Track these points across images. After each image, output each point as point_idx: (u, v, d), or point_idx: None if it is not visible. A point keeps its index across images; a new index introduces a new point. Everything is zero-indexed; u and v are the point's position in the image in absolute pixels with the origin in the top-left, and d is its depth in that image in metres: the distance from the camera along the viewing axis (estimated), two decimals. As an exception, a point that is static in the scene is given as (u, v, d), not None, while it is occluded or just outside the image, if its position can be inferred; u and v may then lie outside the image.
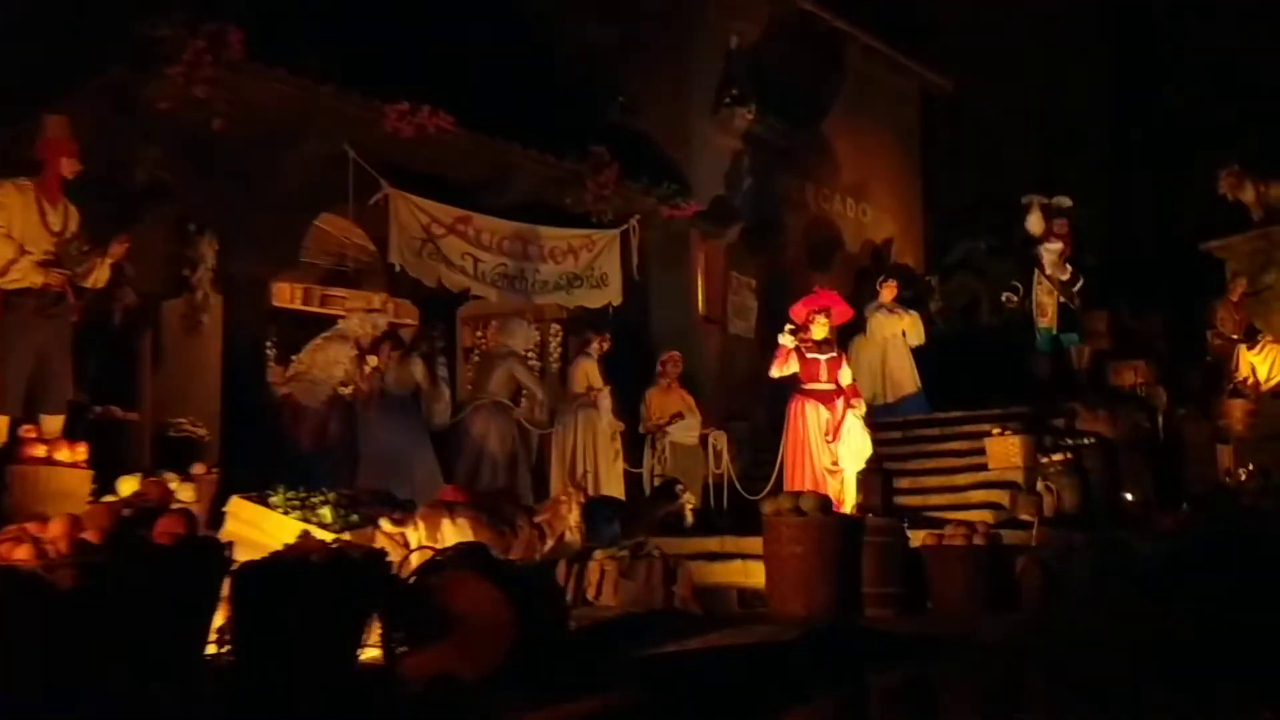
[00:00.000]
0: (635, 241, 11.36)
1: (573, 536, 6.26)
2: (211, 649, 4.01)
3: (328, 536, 5.62)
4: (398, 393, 8.33)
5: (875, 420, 12.12)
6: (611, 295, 11.14)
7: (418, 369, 8.39)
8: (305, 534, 4.38)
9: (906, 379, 12.65)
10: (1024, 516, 9.45)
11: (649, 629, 6.00)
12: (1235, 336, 12.35)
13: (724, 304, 12.83)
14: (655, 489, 8.06)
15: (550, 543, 6.25)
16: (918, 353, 13.10)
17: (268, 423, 8.16)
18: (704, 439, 10.47)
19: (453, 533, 5.72)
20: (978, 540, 7.28)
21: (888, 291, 12.81)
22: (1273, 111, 14.66)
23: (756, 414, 11.76)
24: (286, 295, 12.09)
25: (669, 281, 12.01)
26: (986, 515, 9.43)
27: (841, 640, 6.66)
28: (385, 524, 5.81)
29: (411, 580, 4.13)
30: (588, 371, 9.62)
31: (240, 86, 8.11)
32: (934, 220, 16.43)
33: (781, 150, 12.70)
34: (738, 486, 10.24)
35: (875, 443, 11.59)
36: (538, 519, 6.19)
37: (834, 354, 9.64)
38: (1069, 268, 12.48)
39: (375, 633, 4.02)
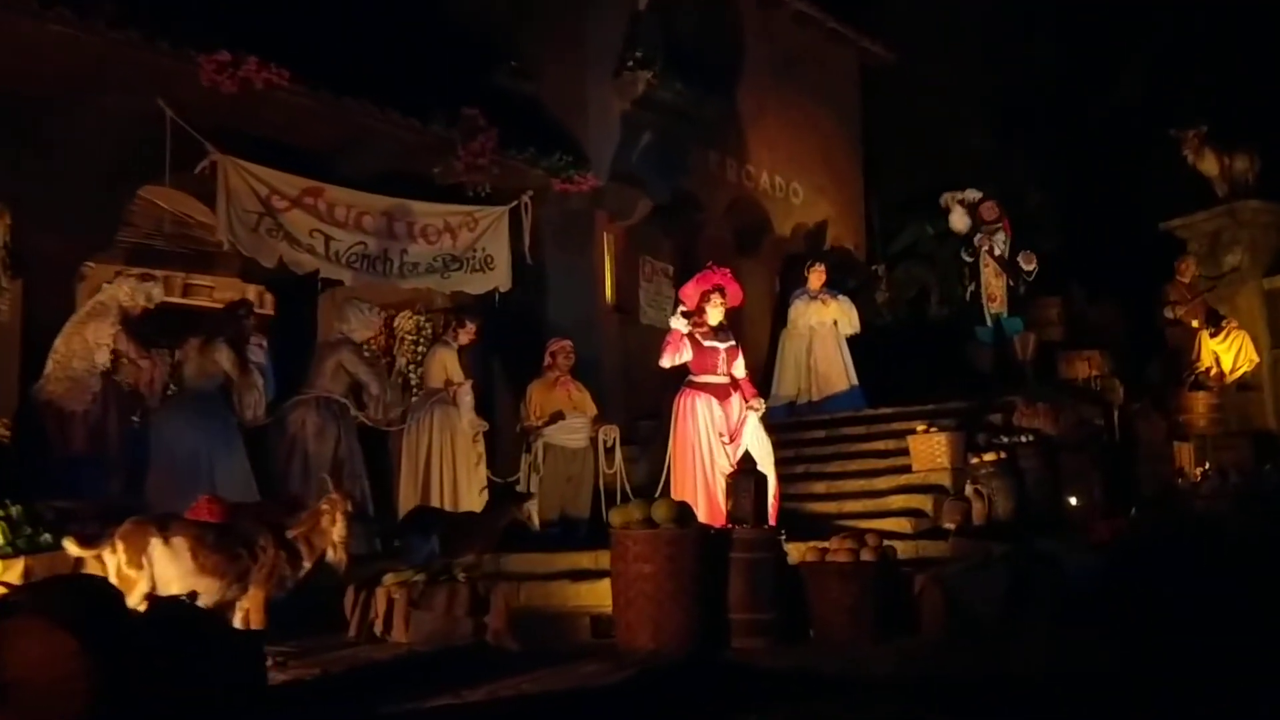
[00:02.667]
0: (528, 220, 10.17)
1: (336, 555, 5.05)
2: None
3: (-6, 562, 4.42)
4: (199, 386, 7.10)
5: (800, 419, 11.07)
6: (498, 280, 9.97)
7: (223, 356, 7.15)
8: None
9: (837, 374, 11.48)
10: (947, 525, 8.28)
11: (432, 674, 4.78)
12: (1195, 323, 11.17)
13: (636, 291, 11.64)
14: (495, 495, 6.84)
15: (308, 564, 5.05)
16: (861, 347, 11.99)
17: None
18: (595, 438, 9.27)
19: (164, 556, 4.52)
20: (866, 555, 6.06)
21: (815, 277, 11.65)
22: (1240, 82, 13.53)
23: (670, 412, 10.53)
24: (140, 283, 10.87)
25: (570, 266, 10.81)
26: (905, 524, 8.28)
27: (693, 680, 5.46)
28: (70, 545, 4.60)
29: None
30: (446, 363, 8.42)
31: (10, 27, 6.89)
32: (880, 204, 15.28)
33: (697, 122, 11.47)
34: (628, 491, 9.05)
35: (795, 443, 10.53)
36: (292, 534, 4.98)
37: (732, 342, 8.51)
38: (1032, 255, 11.31)
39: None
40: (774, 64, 12.81)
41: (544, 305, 10.58)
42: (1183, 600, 6.54)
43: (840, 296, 11.67)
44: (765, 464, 8.26)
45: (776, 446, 10.44)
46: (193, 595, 4.14)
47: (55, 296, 7.97)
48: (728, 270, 8.73)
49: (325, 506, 5.02)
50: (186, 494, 6.55)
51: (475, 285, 9.85)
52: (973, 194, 11.80)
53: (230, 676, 3.50)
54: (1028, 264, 11.16)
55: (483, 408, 10.53)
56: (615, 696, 4.84)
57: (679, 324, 8.44)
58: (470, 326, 8.74)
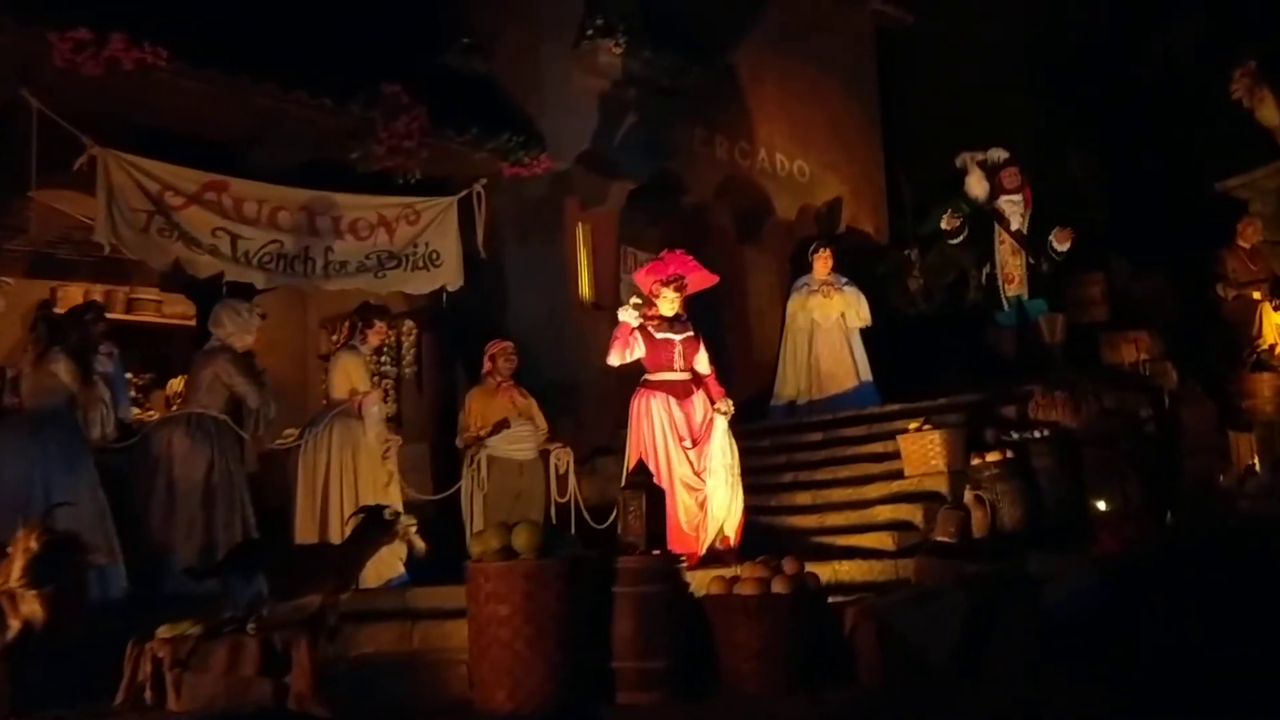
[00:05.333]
0: (483, 211, 9.16)
1: (30, 608, 4.03)
2: None
3: None
4: (38, 405, 6.20)
5: (799, 421, 9.89)
6: (445, 277, 8.99)
7: (61, 368, 6.25)
8: None
9: (844, 371, 10.24)
10: (940, 538, 7.03)
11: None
12: (1257, 295, 9.66)
13: (616, 285, 10.53)
14: (361, 520, 5.79)
15: (15, 624, 4.06)
16: (892, 339, 10.76)
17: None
18: (546, 455, 8.20)
19: None
20: (778, 586, 4.87)
21: (821, 263, 10.44)
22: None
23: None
24: (79, 300, 10.12)
25: (535, 259, 9.75)
26: (887, 539, 7.06)
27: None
28: None
29: None
30: (349, 370, 7.40)
31: None
32: (911, 181, 13.92)
33: (677, 95, 10.31)
34: (585, 516, 7.98)
35: (787, 447, 9.38)
36: (-11, 591, 4.01)
37: (690, 333, 7.47)
38: (1067, 233, 9.97)
39: None
40: (772, 30, 11.59)
41: (504, 304, 9.53)
42: (1203, 630, 5.24)
43: (847, 286, 10.41)
44: (731, 475, 7.23)
45: (768, 452, 9.39)
46: None
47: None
48: (687, 255, 7.65)
49: (10, 548, 4.04)
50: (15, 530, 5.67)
51: (417, 284, 8.90)
52: (997, 154, 10.47)
53: None
54: (1062, 243, 9.79)
55: (442, 420, 9.60)
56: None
57: (627, 316, 7.47)
58: (379, 326, 7.77)
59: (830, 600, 5.24)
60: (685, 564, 6.61)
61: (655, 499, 5.48)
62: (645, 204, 10.57)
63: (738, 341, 11.42)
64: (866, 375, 10.30)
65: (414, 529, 5.66)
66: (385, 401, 10.10)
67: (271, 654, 4.41)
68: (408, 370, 10.17)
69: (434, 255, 8.95)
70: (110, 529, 6.18)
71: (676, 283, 7.45)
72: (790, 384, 10.24)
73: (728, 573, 5.26)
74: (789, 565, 5.07)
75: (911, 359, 10.71)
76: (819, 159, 11.96)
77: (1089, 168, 12.77)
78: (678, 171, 10.56)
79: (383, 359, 10.24)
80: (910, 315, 11.87)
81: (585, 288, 10.22)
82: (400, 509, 7.16)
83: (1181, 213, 11.15)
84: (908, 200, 13.85)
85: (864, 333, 10.45)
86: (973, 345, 10.75)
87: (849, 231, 12.15)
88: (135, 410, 9.22)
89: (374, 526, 5.55)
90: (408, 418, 10.10)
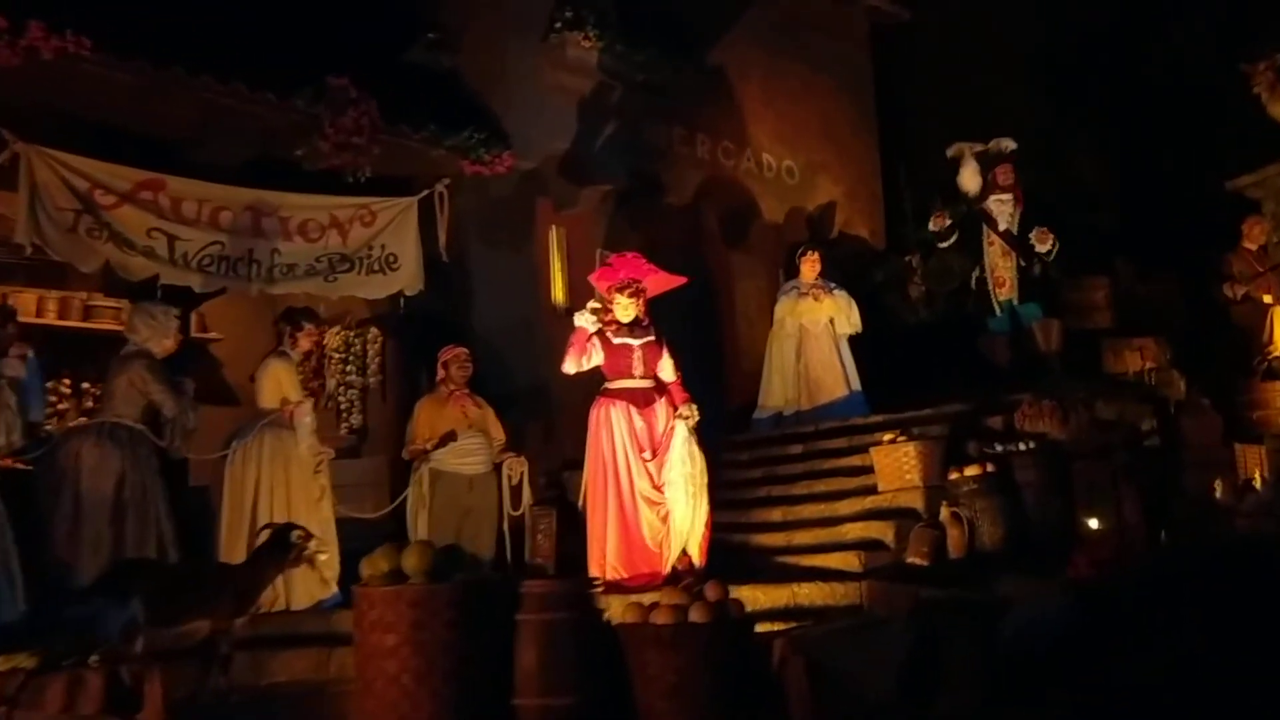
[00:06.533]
0: (445, 212, 8.74)
1: None
2: None
3: None
4: (-68, 416, 5.81)
5: (782, 432, 9.38)
6: (403, 281, 8.60)
7: (-41, 374, 5.88)
8: None
9: (833, 379, 9.71)
10: (912, 559, 6.51)
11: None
12: (1267, 299, 9.08)
13: (593, 290, 10.05)
14: (266, 541, 5.34)
15: None
16: (891, 348, 10.25)
17: None
18: (499, 467, 7.71)
19: None
20: (696, 614, 4.36)
21: (809, 267, 9.92)
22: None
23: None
24: (32, 309, 9.73)
25: (504, 263, 9.30)
26: (853, 559, 6.54)
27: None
28: None
29: None
30: (280, 378, 6.96)
31: None
32: (914, 186, 13.38)
33: (654, 93, 9.85)
34: (540, 532, 7.47)
35: (767, 460, 8.88)
36: None
37: (651, 338, 7.00)
38: (1047, 234, 9.43)
39: None
40: (759, 25, 11.10)
41: (470, 309, 9.07)
42: (1189, 662, 4.70)
43: (836, 291, 9.89)
44: (692, 485, 6.72)
45: (746, 465, 8.90)
46: None
47: None
48: (640, 259, 7.17)
49: None
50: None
51: (372, 289, 8.51)
52: (1005, 143, 9.89)
53: None
54: (1042, 244, 9.28)
55: (404, 432, 9.18)
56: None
57: (584, 320, 7.01)
58: (309, 329, 7.34)
59: (758, 630, 4.73)
60: (651, 584, 6.15)
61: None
62: (627, 206, 10.11)
63: (725, 350, 10.93)
64: (856, 385, 9.78)
65: (323, 556, 5.19)
66: (351, 413, 9.75)
67: (119, 690, 3.95)
68: (373, 380, 9.72)
69: (391, 258, 8.55)
70: (8, 546, 5.76)
71: (630, 289, 6.97)
72: (777, 394, 9.71)
73: (646, 599, 4.76)
74: (711, 591, 4.56)
75: (911, 369, 10.20)
76: (810, 160, 11.45)
77: (1095, 168, 12.20)
78: (656, 172, 10.08)
79: (348, 368, 9.82)
80: (910, 323, 11.35)
81: (559, 292, 9.78)
82: (326, 528, 6.79)
83: (1190, 214, 10.57)
84: (908, 204, 13.34)
85: (861, 342, 9.94)
86: (970, 354, 10.25)
87: (843, 236, 11.63)
88: (84, 420, 8.85)
89: (276, 547, 5.08)
90: (373, 428, 9.67)
